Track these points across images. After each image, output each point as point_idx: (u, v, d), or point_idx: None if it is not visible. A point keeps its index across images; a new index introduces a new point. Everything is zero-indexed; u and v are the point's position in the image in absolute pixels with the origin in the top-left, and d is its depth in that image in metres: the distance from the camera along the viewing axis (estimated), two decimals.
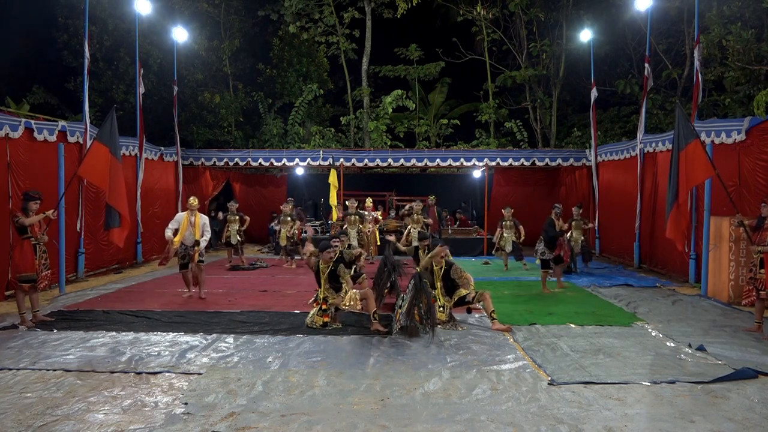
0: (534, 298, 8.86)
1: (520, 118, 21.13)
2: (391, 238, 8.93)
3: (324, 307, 6.88)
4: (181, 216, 8.85)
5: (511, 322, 7.04)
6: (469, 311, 7.30)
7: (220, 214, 13.66)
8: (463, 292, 7.04)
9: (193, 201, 8.97)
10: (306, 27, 21.46)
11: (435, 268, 7.12)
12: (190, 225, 8.69)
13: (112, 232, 8.81)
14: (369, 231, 12.68)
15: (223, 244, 12.81)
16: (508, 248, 12.23)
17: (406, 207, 12.21)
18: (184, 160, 15.23)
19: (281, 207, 12.86)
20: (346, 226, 11.39)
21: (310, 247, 7.94)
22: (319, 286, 6.98)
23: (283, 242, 12.58)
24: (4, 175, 8.49)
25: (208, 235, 8.84)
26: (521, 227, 12.26)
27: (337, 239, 7.65)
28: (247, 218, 12.79)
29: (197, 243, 8.65)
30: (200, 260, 8.82)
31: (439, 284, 7.08)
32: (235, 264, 12.42)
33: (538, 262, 9.80)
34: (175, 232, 8.64)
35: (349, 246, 9.49)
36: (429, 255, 7.20)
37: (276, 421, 4.10)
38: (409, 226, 11.65)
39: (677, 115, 7.90)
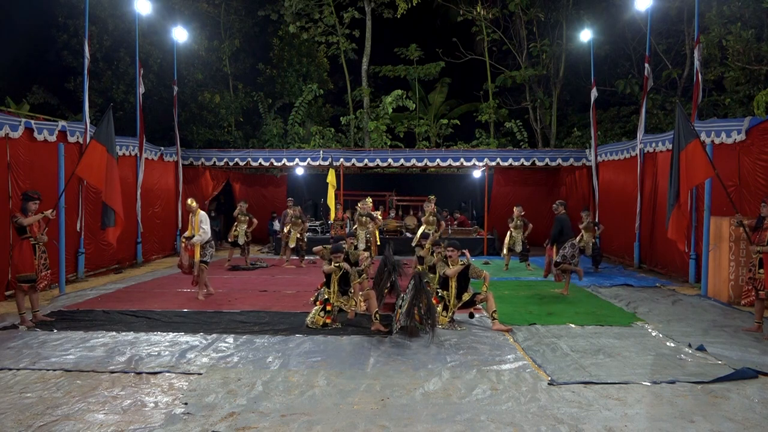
0: (534, 298, 8.85)
1: (520, 118, 21.15)
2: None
3: (329, 308, 6.88)
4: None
5: (511, 322, 7.05)
6: (471, 315, 7.26)
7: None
8: (468, 295, 7.02)
9: (191, 202, 8.91)
10: (306, 27, 21.46)
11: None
12: (191, 225, 8.74)
13: (108, 231, 8.84)
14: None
15: (228, 243, 12.83)
16: (518, 248, 12.10)
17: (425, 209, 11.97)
18: (184, 160, 15.23)
19: (291, 209, 12.85)
20: (356, 226, 11.30)
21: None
22: (329, 288, 6.97)
23: (292, 244, 12.71)
24: (4, 175, 8.48)
25: (202, 232, 8.64)
26: (530, 225, 12.23)
27: (344, 241, 7.65)
28: (255, 221, 12.83)
29: (191, 237, 8.60)
30: (203, 260, 8.67)
31: (453, 283, 7.00)
32: (234, 264, 12.43)
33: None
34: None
35: (356, 248, 9.37)
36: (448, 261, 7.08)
37: (276, 421, 4.10)
38: (423, 227, 11.45)
39: (677, 115, 7.90)
